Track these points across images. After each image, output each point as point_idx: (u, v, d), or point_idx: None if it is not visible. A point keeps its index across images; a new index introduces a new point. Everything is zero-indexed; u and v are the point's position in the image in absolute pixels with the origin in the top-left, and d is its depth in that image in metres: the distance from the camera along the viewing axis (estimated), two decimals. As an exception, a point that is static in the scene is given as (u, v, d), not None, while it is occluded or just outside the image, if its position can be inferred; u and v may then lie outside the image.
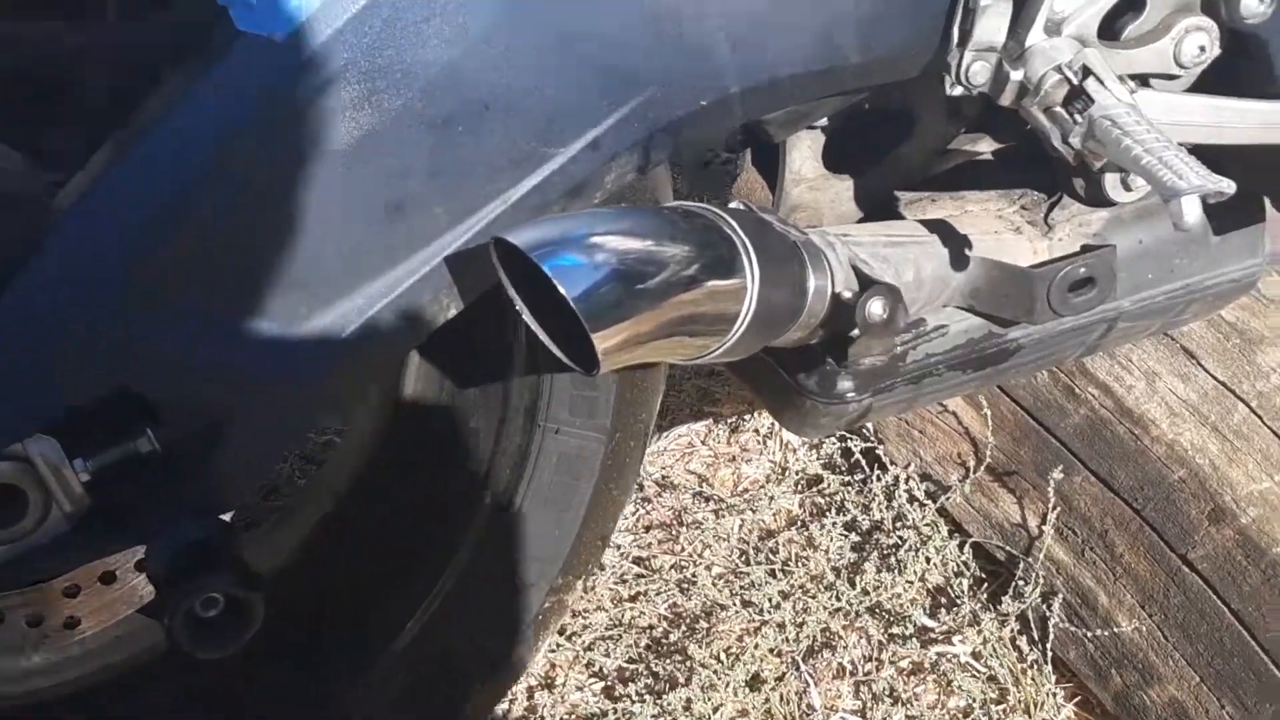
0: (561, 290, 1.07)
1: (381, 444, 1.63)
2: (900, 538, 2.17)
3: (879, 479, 2.25)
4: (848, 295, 1.36)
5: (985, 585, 2.11)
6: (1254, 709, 1.72)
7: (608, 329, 1.10)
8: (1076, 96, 1.31)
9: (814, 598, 2.12)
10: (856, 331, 1.38)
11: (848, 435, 2.32)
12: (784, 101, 1.37)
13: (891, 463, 2.24)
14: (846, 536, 2.22)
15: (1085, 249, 1.56)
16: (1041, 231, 1.59)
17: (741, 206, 1.32)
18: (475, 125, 1.21)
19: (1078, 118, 1.31)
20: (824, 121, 1.61)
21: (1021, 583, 2.02)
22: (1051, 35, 1.32)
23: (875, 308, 1.36)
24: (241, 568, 1.25)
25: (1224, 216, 1.61)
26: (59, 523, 1.20)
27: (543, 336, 1.19)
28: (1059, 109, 1.33)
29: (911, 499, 2.20)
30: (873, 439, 2.28)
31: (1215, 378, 1.93)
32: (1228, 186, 1.21)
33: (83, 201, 1.18)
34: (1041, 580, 1.99)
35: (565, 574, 1.63)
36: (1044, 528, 1.99)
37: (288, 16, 1.12)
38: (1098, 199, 1.54)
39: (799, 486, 2.35)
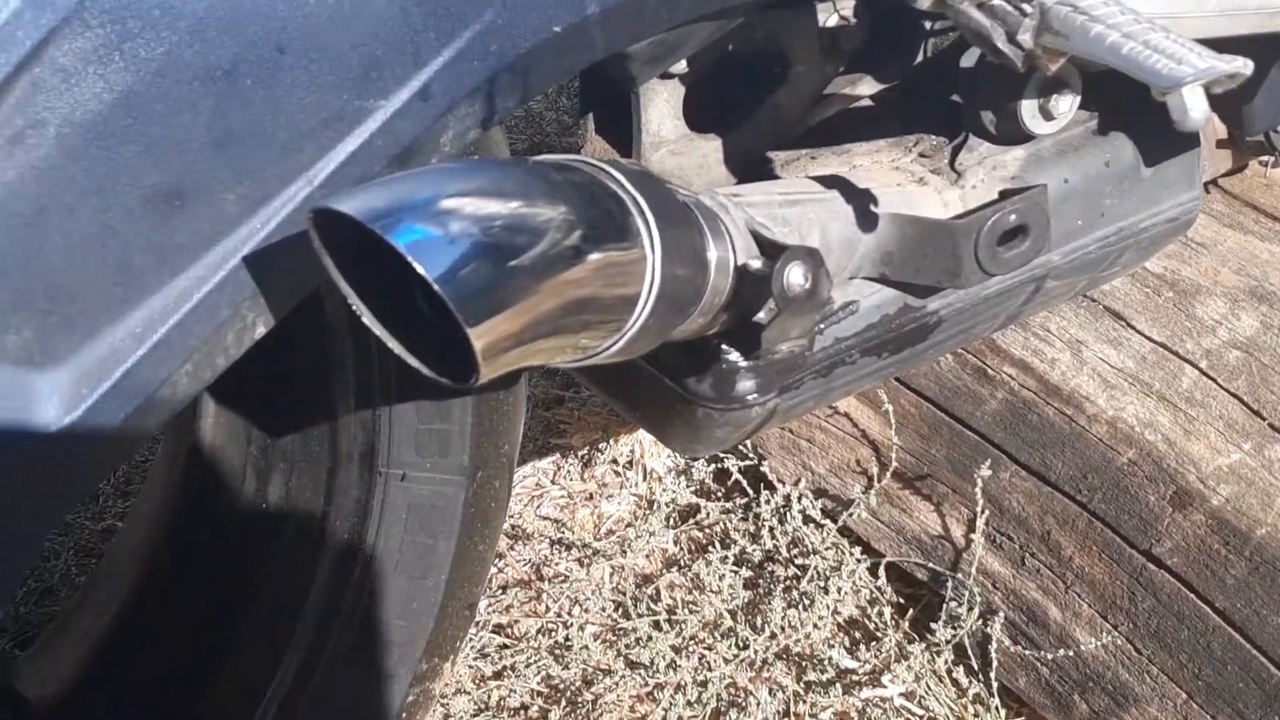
0: (421, 271, 0.81)
1: (176, 519, 1.35)
2: (800, 567, 1.95)
3: (766, 501, 2.02)
4: (757, 265, 1.14)
5: (909, 611, 1.89)
6: (1258, 721, 1.53)
7: (485, 322, 0.85)
8: (1020, -20, 1.11)
9: (711, 649, 1.87)
10: (768, 311, 1.16)
11: (722, 455, 2.09)
12: (651, 25, 1.15)
13: (779, 481, 2.01)
14: (737, 573, 1.98)
15: (1005, 194, 1.38)
16: (950, 180, 1.41)
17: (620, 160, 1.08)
18: (268, 75, 0.96)
19: (1026, 7, 1.10)
20: (682, 68, 1.40)
21: (953, 604, 1.80)
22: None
23: (795, 277, 1.14)
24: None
25: (1156, 144, 1.46)
26: None
27: (392, 344, 0.93)
28: (999, 1, 1.13)
29: (807, 520, 1.97)
30: (751, 455, 2.05)
31: (1151, 339, 1.73)
32: (1243, 66, 1.01)
33: None
34: (976, 599, 1.77)
35: (430, 656, 1.36)
36: (972, 536, 1.78)
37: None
38: (1013, 134, 1.40)
39: (671, 520, 2.11)
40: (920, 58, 1.44)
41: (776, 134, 1.44)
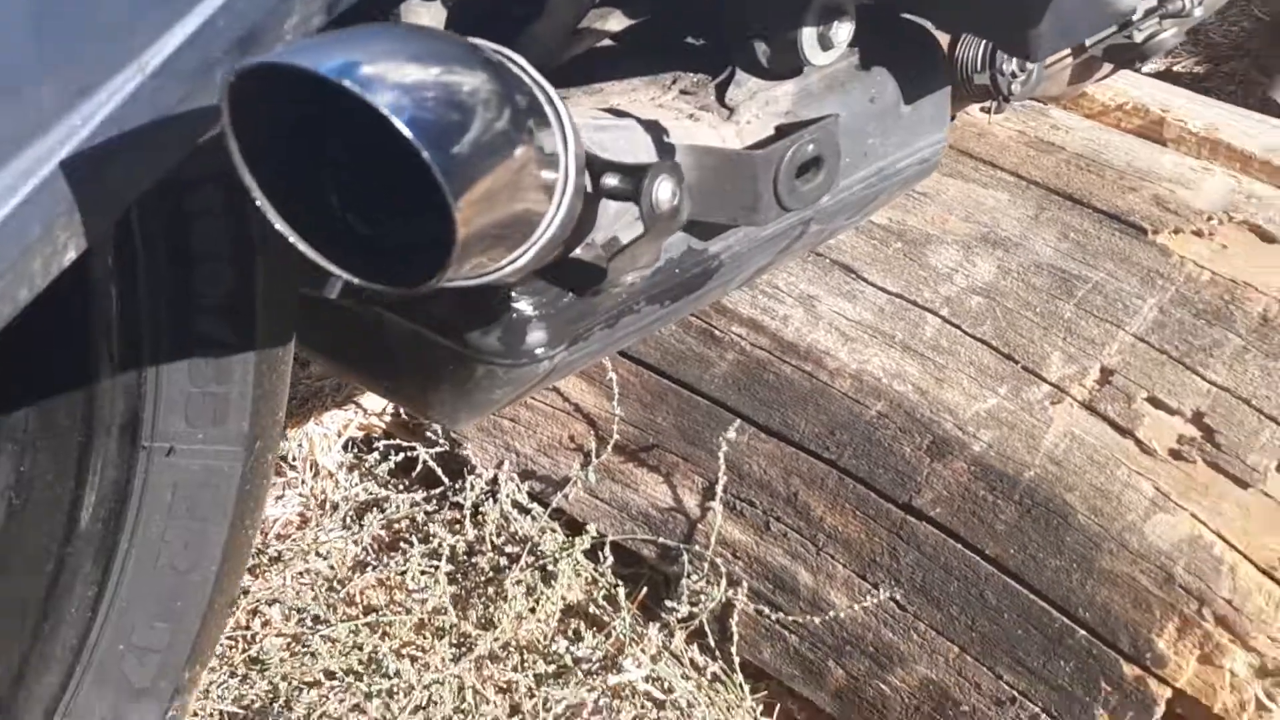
0: (410, 137, 0.67)
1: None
2: (510, 556, 1.83)
3: (459, 489, 1.89)
4: (615, 182, 1.04)
5: (637, 593, 1.80)
6: (1044, 668, 1.51)
7: (464, 205, 0.71)
8: None
9: (426, 652, 1.73)
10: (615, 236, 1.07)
11: (404, 444, 1.95)
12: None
13: (478, 466, 1.89)
14: (437, 568, 1.84)
15: (784, 128, 1.32)
16: (722, 116, 1.34)
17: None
18: (94, -61, 0.79)
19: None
20: (444, -13, 1.28)
21: (690, 580, 1.72)
22: None
23: (664, 193, 1.05)
24: None
25: (912, 81, 1.43)
26: None
27: (304, 247, 0.77)
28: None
29: (514, 505, 1.85)
30: (442, 440, 1.92)
31: (887, 290, 1.71)
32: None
33: None
34: (715, 571, 1.70)
35: (192, 664, 1.18)
36: (709, 505, 1.70)
37: None
38: (785, 67, 1.34)
39: (351, 520, 1.95)
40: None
41: (536, 66, 1.34)
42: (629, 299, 1.25)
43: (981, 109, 1.83)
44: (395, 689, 1.69)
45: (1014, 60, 1.72)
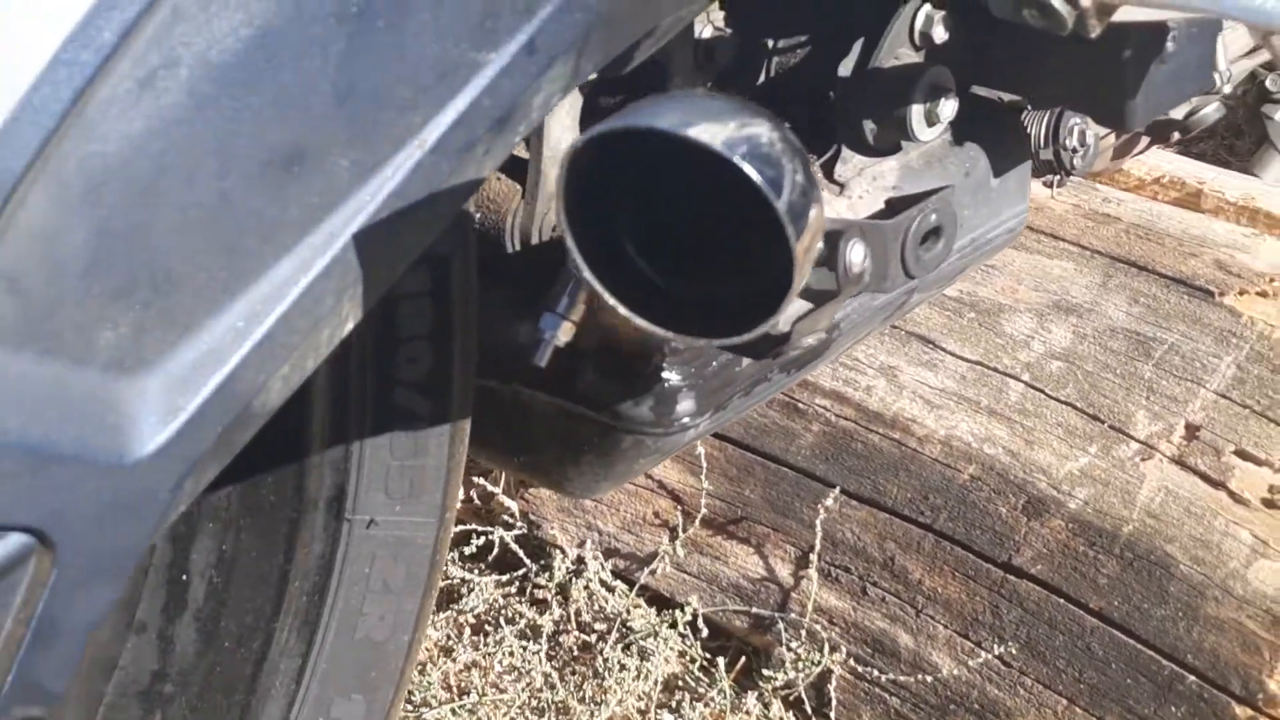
0: (766, 192, 0.72)
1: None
2: (597, 632, 1.86)
3: (542, 570, 1.92)
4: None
5: (733, 665, 1.83)
6: (1155, 714, 1.56)
7: (800, 244, 0.76)
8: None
9: (531, 728, 1.76)
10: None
11: (479, 529, 1.98)
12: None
13: (559, 547, 1.92)
14: (525, 649, 1.87)
15: (892, 204, 1.39)
16: (834, 193, 1.40)
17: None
18: (398, 17, 0.84)
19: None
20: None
21: (790, 645, 1.76)
22: None
23: (856, 255, 1.10)
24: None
25: (999, 154, 1.50)
26: None
27: (614, 301, 0.82)
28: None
29: (601, 583, 1.89)
30: (520, 524, 1.95)
31: (966, 359, 1.77)
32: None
33: None
34: (812, 638, 1.74)
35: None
36: (803, 573, 1.75)
37: None
38: (889, 143, 1.39)
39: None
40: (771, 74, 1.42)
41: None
42: (763, 368, 1.31)
43: (1044, 183, 1.90)
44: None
45: (1075, 136, 1.79)
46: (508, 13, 0.89)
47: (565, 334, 1.09)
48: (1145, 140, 2.11)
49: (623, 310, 0.82)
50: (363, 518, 1.14)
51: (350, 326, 0.89)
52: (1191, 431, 1.68)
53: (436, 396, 1.14)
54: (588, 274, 0.81)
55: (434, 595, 1.21)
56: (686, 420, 1.23)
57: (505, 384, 1.25)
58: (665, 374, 1.20)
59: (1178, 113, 1.95)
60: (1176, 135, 2.02)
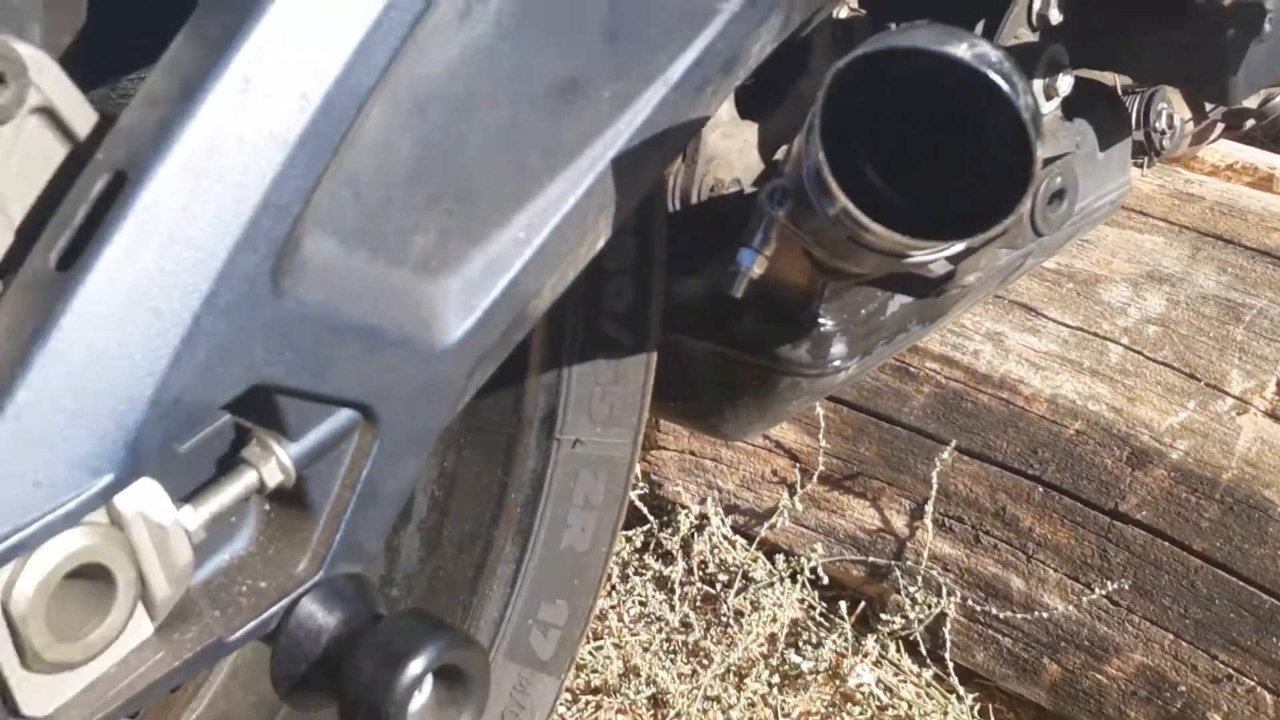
0: (1018, 106, 0.85)
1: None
2: (725, 583, 1.99)
3: (665, 525, 2.05)
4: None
5: (855, 612, 1.95)
6: (1258, 645, 1.67)
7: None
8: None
9: (666, 669, 1.88)
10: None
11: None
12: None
13: (680, 505, 2.05)
14: (655, 596, 2.00)
15: None
16: None
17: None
18: (658, -38, 0.97)
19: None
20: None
21: (908, 591, 1.88)
22: None
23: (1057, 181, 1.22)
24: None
25: (1104, 131, 1.61)
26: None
27: (858, 214, 0.94)
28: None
29: (724, 538, 2.01)
30: (642, 483, 2.07)
31: (1068, 325, 1.89)
32: None
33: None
34: (927, 584, 1.87)
35: (582, 640, 1.33)
36: (919, 523, 1.87)
37: None
38: None
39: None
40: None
41: (802, 119, 1.52)
42: (906, 316, 1.42)
43: (1134, 163, 2.03)
44: (659, 698, 1.84)
45: (1164, 119, 1.92)
46: (739, -36, 1.01)
47: (760, 267, 1.19)
48: (1220, 128, 2.23)
49: (875, 227, 0.93)
50: (570, 437, 1.26)
51: (602, 244, 1.01)
52: (1283, 387, 1.80)
53: (636, 327, 1.25)
54: (838, 193, 0.93)
55: (624, 512, 1.33)
56: (839, 363, 1.33)
57: (666, 335, 1.36)
58: (821, 319, 1.31)
59: (1251, 101, 2.08)
60: (1251, 122, 2.15)
